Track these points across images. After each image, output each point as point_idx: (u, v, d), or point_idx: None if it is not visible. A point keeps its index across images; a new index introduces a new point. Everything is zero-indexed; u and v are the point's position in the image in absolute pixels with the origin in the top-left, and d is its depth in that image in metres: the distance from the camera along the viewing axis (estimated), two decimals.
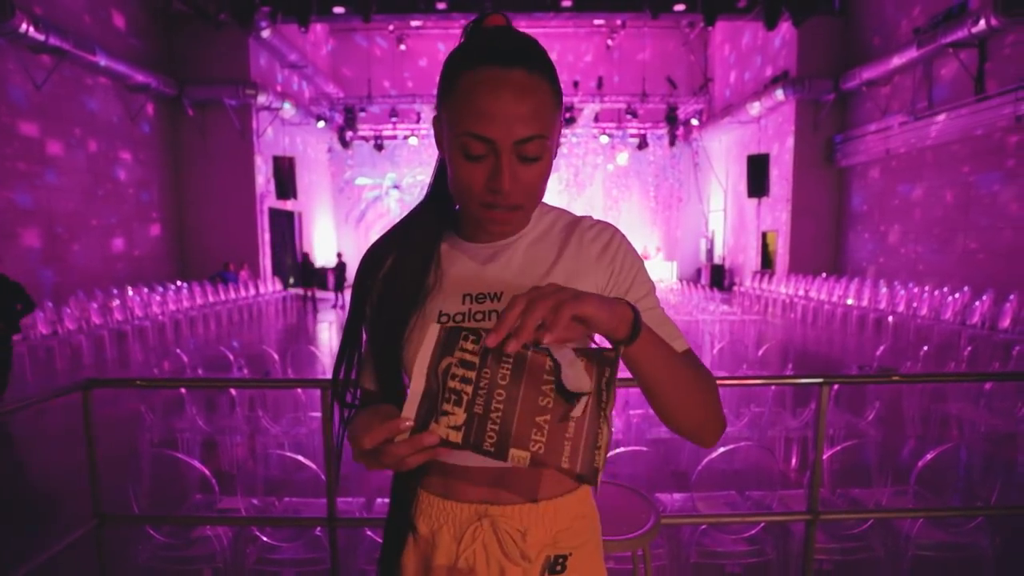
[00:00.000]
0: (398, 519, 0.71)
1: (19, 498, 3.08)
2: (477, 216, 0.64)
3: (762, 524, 1.76)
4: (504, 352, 0.49)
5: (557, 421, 0.49)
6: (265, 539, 1.71)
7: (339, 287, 11.82)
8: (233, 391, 3.15)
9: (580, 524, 0.70)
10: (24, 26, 7.20)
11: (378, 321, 0.69)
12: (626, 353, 0.54)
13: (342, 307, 11.30)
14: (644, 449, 1.90)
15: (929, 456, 1.64)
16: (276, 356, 4.14)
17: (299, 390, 3.23)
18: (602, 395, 0.50)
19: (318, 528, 1.75)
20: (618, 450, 1.86)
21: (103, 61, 8.86)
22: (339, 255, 12.39)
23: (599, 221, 0.72)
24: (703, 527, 1.79)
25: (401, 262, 0.70)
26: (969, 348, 4.47)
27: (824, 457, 1.71)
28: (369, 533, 1.77)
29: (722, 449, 1.69)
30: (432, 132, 0.69)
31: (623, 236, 0.71)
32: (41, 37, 7.52)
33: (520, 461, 0.49)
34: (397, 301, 0.68)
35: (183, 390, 3.01)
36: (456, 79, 0.60)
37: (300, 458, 1.70)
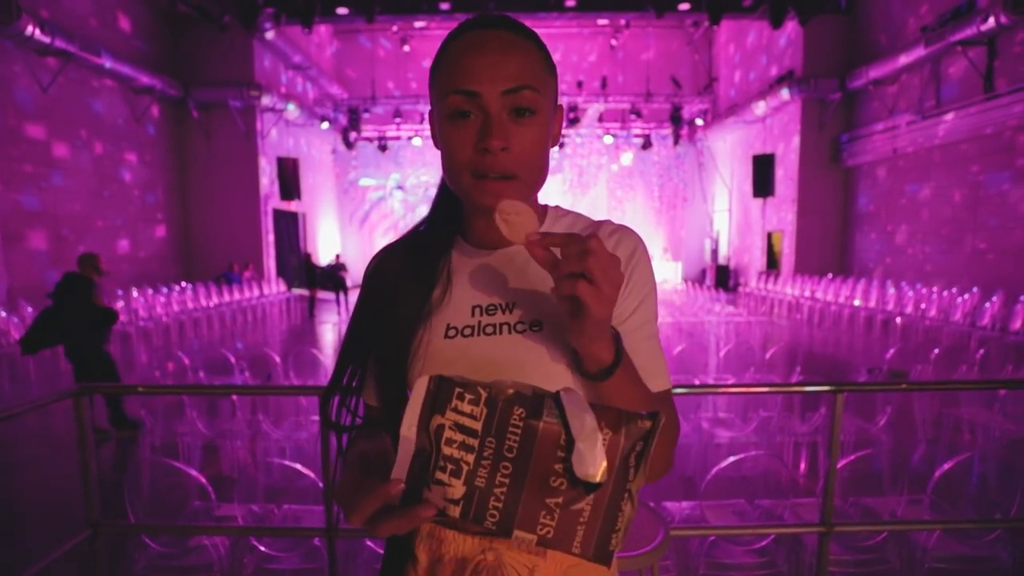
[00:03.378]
0: (397, 546, 0.67)
1: (13, 506, 3.06)
2: (470, 193, 0.59)
3: (773, 535, 1.71)
4: (510, 421, 0.43)
5: (569, 503, 0.43)
6: (263, 549, 1.68)
7: (338, 288, 11.66)
8: (234, 395, 3.12)
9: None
10: (30, 29, 7.23)
11: (383, 336, 0.64)
12: (597, 386, 0.54)
13: (346, 310, 11.25)
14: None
15: (947, 465, 1.58)
16: (278, 359, 4.11)
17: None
18: (628, 471, 0.43)
19: (317, 538, 1.72)
20: None
21: (108, 63, 8.89)
22: (337, 256, 12.25)
23: (621, 226, 0.67)
24: (712, 538, 1.74)
25: (408, 273, 0.66)
26: (981, 351, 4.39)
27: (838, 466, 1.65)
28: (369, 544, 1.74)
29: (732, 458, 1.64)
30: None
31: (644, 246, 0.67)
32: (47, 40, 7.55)
33: (526, 542, 0.44)
34: (403, 315, 0.64)
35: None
36: (442, 53, 0.59)
37: (298, 467, 1.66)
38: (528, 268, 0.65)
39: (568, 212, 0.71)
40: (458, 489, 0.44)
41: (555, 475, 0.43)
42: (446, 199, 0.70)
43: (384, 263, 0.69)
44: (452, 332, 0.62)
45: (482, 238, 0.67)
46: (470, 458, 0.44)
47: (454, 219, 0.70)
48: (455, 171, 0.59)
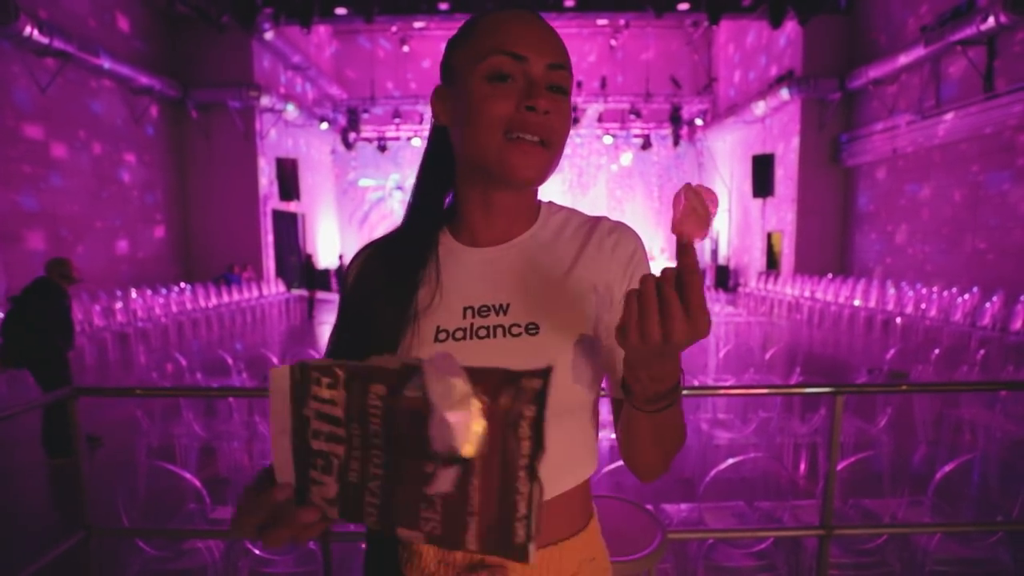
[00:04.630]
0: (380, 562, 0.62)
1: (6, 509, 3.05)
2: (499, 157, 0.55)
3: (772, 538, 1.70)
4: (367, 402, 0.37)
5: (451, 491, 0.36)
6: (258, 552, 1.67)
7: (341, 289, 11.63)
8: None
9: (588, 568, 0.62)
10: (28, 29, 7.22)
11: (367, 343, 0.59)
12: (653, 417, 0.51)
13: None
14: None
15: (948, 467, 1.57)
16: (276, 360, 4.10)
17: None
18: (521, 445, 0.35)
19: (311, 541, 1.71)
20: (622, 461, 1.80)
21: (107, 64, 8.88)
22: (340, 257, 12.21)
23: (619, 224, 0.65)
24: (710, 541, 1.73)
25: (392, 274, 0.62)
26: (982, 351, 4.37)
27: (838, 468, 1.64)
28: (364, 547, 1.72)
29: (731, 460, 1.63)
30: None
31: (643, 244, 0.65)
32: (45, 40, 7.53)
33: (414, 540, 0.38)
34: (387, 318, 0.59)
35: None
36: (475, 25, 0.58)
37: None
38: (523, 266, 0.62)
39: (562, 208, 0.69)
40: (331, 487, 0.39)
41: (429, 459, 0.36)
42: (430, 189, 0.66)
43: (366, 263, 0.65)
44: (443, 335, 0.58)
45: (473, 234, 0.64)
46: (340, 450, 0.39)
47: (439, 212, 0.66)
48: (485, 130, 0.55)
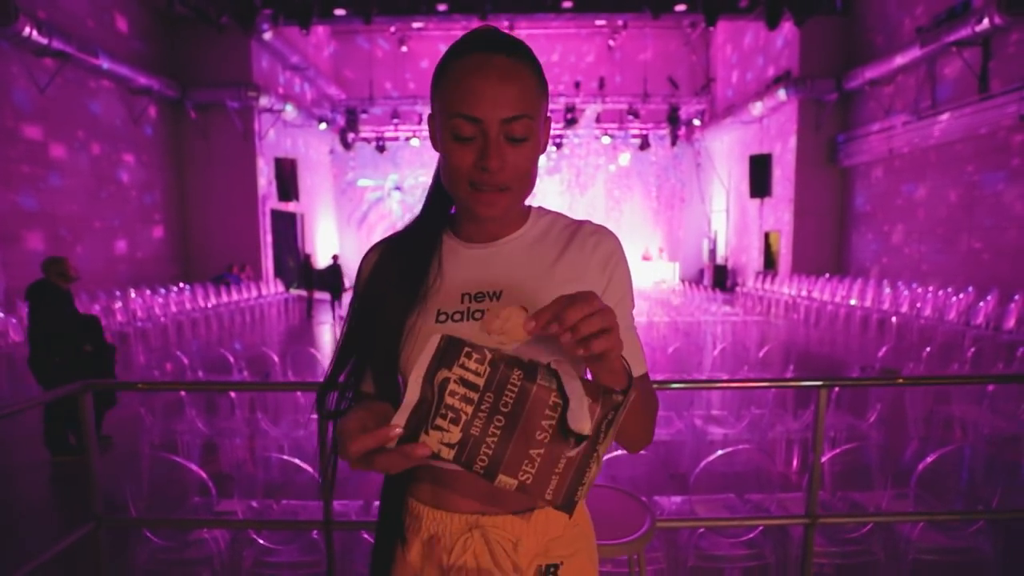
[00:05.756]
0: (388, 528, 0.71)
1: (17, 500, 3.09)
2: (467, 201, 0.65)
3: (760, 527, 1.75)
4: (509, 380, 0.49)
5: (550, 455, 0.50)
6: (262, 542, 1.71)
7: (336, 289, 11.53)
8: (232, 393, 3.15)
9: (572, 533, 0.71)
10: (27, 30, 7.24)
11: (377, 324, 0.69)
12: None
13: (340, 317, 11.14)
14: (643, 452, 1.89)
15: (929, 459, 1.62)
16: (276, 358, 4.14)
17: (299, 393, 3.23)
18: (600, 435, 0.50)
19: (315, 531, 1.75)
20: (616, 453, 1.85)
21: (106, 64, 8.90)
22: (335, 257, 12.11)
23: (600, 227, 0.73)
24: (701, 530, 1.78)
25: (401, 265, 0.71)
26: (973, 349, 4.43)
27: (824, 460, 1.69)
28: (366, 536, 1.77)
29: (720, 452, 1.67)
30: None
31: (622, 246, 0.73)
32: (44, 40, 7.55)
33: (507, 486, 0.50)
34: (396, 304, 0.69)
35: (183, 393, 3.02)
36: (445, 68, 0.64)
37: (296, 461, 1.70)
38: (513, 261, 0.71)
39: (548, 212, 0.76)
40: (455, 435, 0.50)
41: (541, 430, 0.50)
42: (438, 196, 0.75)
43: (378, 257, 0.74)
44: (443, 317, 0.67)
45: (471, 235, 0.73)
46: (469, 409, 0.50)
47: (445, 215, 0.75)
48: (455, 182, 0.65)
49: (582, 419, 0.48)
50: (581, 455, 0.50)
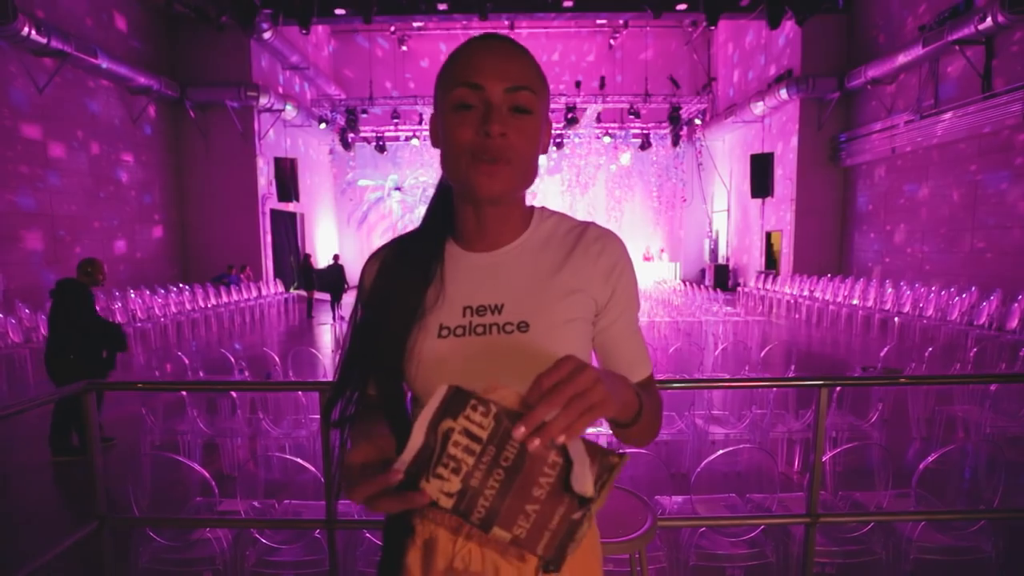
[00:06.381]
0: (397, 523, 0.71)
1: (20, 500, 3.09)
2: (467, 177, 0.63)
3: (761, 527, 1.75)
4: (512, 436, 0.49)
5: (545, 512, 0.50)
6: (264, 541, 1.71)
7: (337, 289, 11.49)
8: (234, 393, 3.15)
9: None
10: (26, 29, 7.25)
11: (379, 339, 0.69)
12: (627, 430, 0.61)
13: (341, 317, 11.04)
14: (645, 451, 1.89)
15: (931, 458, 1.62)
16: (277, 358, 4.14)
17: (300, 392, 3.23)
18: (595, 495, 0.51)
19: (317, 530, 1.75)
20: None
21: (105, 64, 8.90)
22: (335, 257, 12.04)
23: (605, 232, 0.72)
24: (702, 529, 1.78)
25: (403, 274, 0.70)
26: (975, 349, 4.43)
27: (825, 459, 1.69)
28: (368, 535, 1.77)
29: (721, 451, 1.67)
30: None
31: (627, 251, 0.72)
32: (43, 40, 7.56)
33: (501, 539, 0.51)
34: (398, 315, 0.68)
35: (184, 393, 3.02)
36: (448, 60, 0.65)
37: (299, 460, 1.70)
38: (514, 271, 0.70)
39: (553, 213, 0.75)
40: (455, 484, 0.50)
41: (539, 487, 0.50)
42: (441, 203, 0.74)
43: (380, 265, 0.73)
44: (445, 332, 0.67)
45: (473, 239, 0.71)
46: (470, 460, 0.50)
47: (448, 224, 0.74)
48: (455, 155, 0.63)
49: (586, 481, 0.49)
50: (579, 514, 0.50)
